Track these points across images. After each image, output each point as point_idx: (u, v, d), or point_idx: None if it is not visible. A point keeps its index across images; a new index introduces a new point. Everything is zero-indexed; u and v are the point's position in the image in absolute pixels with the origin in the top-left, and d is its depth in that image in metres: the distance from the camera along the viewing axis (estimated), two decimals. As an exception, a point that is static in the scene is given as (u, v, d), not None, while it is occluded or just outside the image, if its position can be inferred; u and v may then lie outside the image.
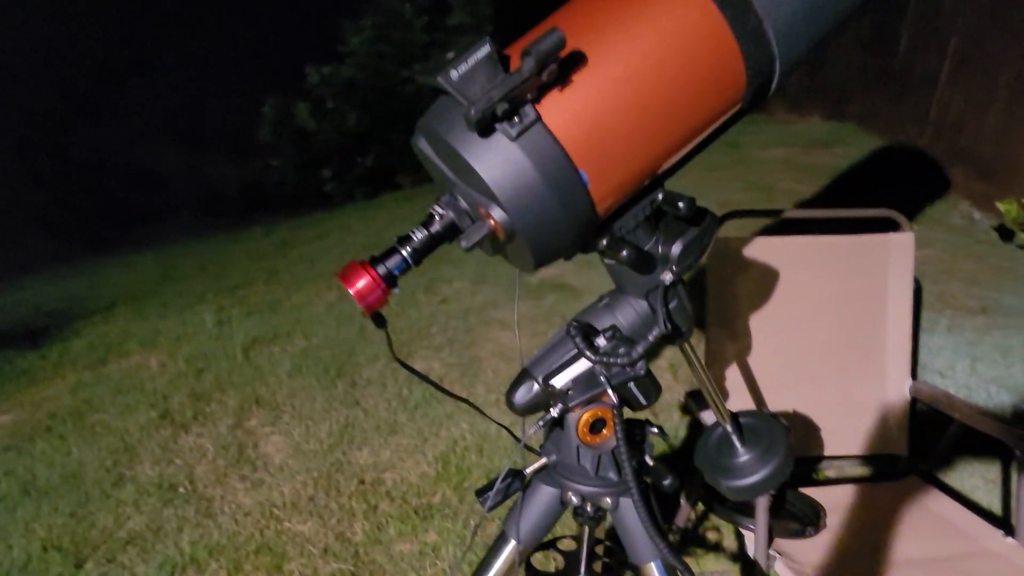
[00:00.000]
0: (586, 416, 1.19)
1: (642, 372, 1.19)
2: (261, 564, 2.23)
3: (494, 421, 1.39)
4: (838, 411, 2.03)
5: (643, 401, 1.18)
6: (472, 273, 3.91)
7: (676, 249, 1.12)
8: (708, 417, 1.81)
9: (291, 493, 2.49)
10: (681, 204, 1.08)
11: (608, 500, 1.27)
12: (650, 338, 1.19)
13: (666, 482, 1.29)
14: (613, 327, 1.16)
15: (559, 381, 1.16)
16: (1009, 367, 3.01)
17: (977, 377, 2.97)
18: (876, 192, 4.11)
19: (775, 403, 1.99)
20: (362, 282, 1.03)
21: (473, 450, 2.64)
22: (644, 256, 1.09)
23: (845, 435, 2.04)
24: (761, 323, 2.00)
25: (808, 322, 2.03)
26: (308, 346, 3.32)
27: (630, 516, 1.27)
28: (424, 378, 1.23)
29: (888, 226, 2.05)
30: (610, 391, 1.18)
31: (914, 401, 2.03)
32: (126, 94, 10.84)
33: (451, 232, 1.05)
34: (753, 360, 2.01)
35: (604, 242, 1.08)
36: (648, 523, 1.29)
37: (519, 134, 0.90)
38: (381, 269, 1.04)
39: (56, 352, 3.61)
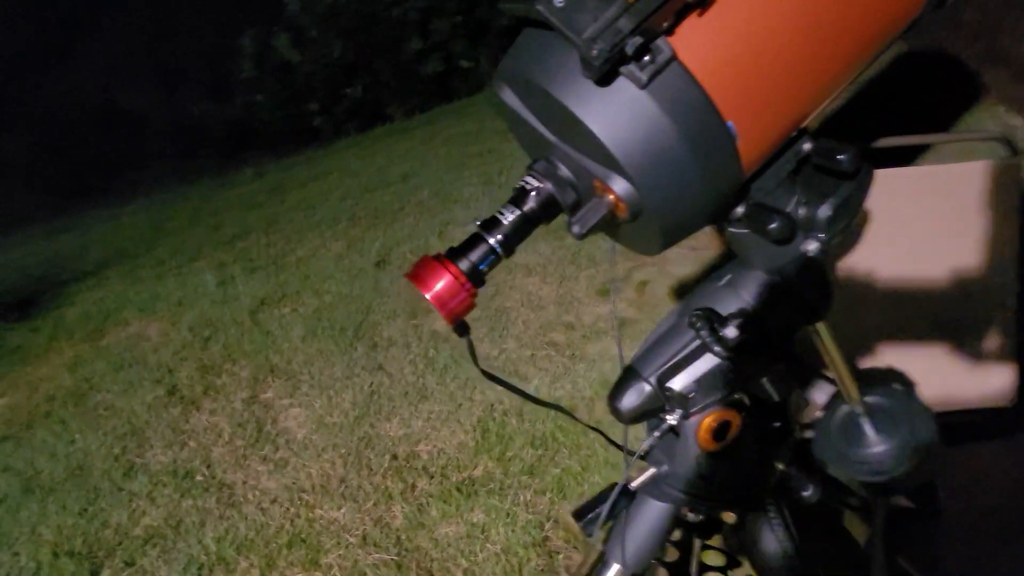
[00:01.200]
0: (708, 420, 0.98)
1: (781, 365, 0.98)
2: (296, 559, 2.03)
3: (589, 426, 1.17)
4: (937, 363, 1.81)
5: (777, 397, 0.98)
6: (488, 213, 3.63)
7: (824, 212, 0.90)
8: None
9: (319, 474, 2.29)
10: (842, 157, 0.85)
11: (732, 515, 1.06)
12: (793, 326, 0.98)
13: (807, 493, 1.08)
14: (742, 311, 0.94)
15: (678, 382, 0.95)
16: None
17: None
18: (905, 102, 3.84)
19: (864, 358, 1.77)
20: (441, 283, 0.82)
21: (512, 414, 2.43)
22: (792, 224, 0.87)
23: (945, 389, 1.83)
24: (846, 269, 1.77)
25: (900, 265, 1.79)
26: (320, 305, 3.08)
27: (760, 532, 1.07)
28: (510, 387, 1.00)
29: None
30: (742, 391, 0.97)
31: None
32: (92, 34, 10.29)
33: (549, 209, 0.84)
34: (838, 311, 1.78)
35: (741, 210, 0.86)
36: (788, 544, 1.09)
37: (651, 78, 0.66)
38: (464, 264, 0.82)
39: (49, 324, 3.36)
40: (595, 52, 0.62)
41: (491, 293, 3.06)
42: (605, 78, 0.66)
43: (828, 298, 1.00)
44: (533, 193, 0.81)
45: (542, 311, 2.91)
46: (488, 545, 2.03)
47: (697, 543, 1.33)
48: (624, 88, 0.66)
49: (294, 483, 2.27)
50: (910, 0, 0.80)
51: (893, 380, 1.08)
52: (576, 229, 0.77)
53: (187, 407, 2.61)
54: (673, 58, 0.66)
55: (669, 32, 0.67)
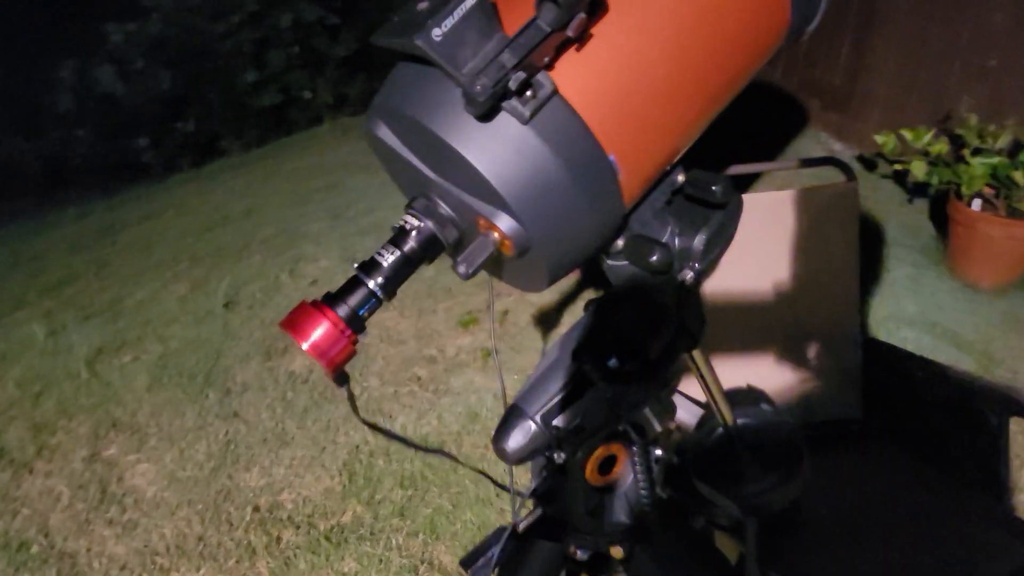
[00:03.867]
0: (595, 455, 0.98)
1: (663, 393, 1.00)
2: (152, 629, 1.88)
3: (476, 470, 1.14)
4: (787, 378, 1.90)
5: (658, 427, 0.99)
6: (338, 249, 3.56)
7: (699, 242, 0.93)
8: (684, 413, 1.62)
9: (174, 534, 2.13)
10: (716, 188, 0.89)
11: (620, 549, 1.06)
12: (673, 353, 1.00)
13: (695, 523, 1.10)
14: (624, 342, 0.94)
15: (564, 419, 0.94)
16: (900, 301, 3.03)
17: (871, 315, 2.97)
18: (736, 132, 4.07)
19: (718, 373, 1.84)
20: (319, 331, 0.77)
21: (380, 454, 2.36)
22: (670, 254, 0.89)
23: (795, 403, 1.92)
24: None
25: (751, 285, 1.88)
26: (165, 352, 2.89)
27: (649, 567, 1.07)
28: (395, 436, 0.97)
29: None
30: (626, 422, 0.98)
31: (866, 360, 1.93)
32: None
33: (431, 248, 0.80)
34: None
35: (621, 243, 0.88)
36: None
37: (533, 113, 0.66)
38: (342, 310, 0.78)
39: None
40: (479, 88, 0.61)
41: (348, 330, 2.97)
42: (487, 114, 0.65)
43: (703, 324, 1.03)
44: (413, 232, 0.79)
45: (403, 346, 2.86)
46: (363, 594, 1.95)
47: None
48: (506, 124, 0.65)
49: (146, 546, 2.10)
50: (772, 32, 0.84)
51: (759, 400, 1.13)
52: (463, 269, 0.75)
53: (18, 471, 2.37)
54: (555, 92, 0.66)
55: (549, 67, 0.67)
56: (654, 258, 0.85)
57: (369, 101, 0.78)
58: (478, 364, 2.74)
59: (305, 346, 0.77)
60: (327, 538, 2.09)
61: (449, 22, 0.63)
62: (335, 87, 7.44)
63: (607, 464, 0.99)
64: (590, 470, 0.98)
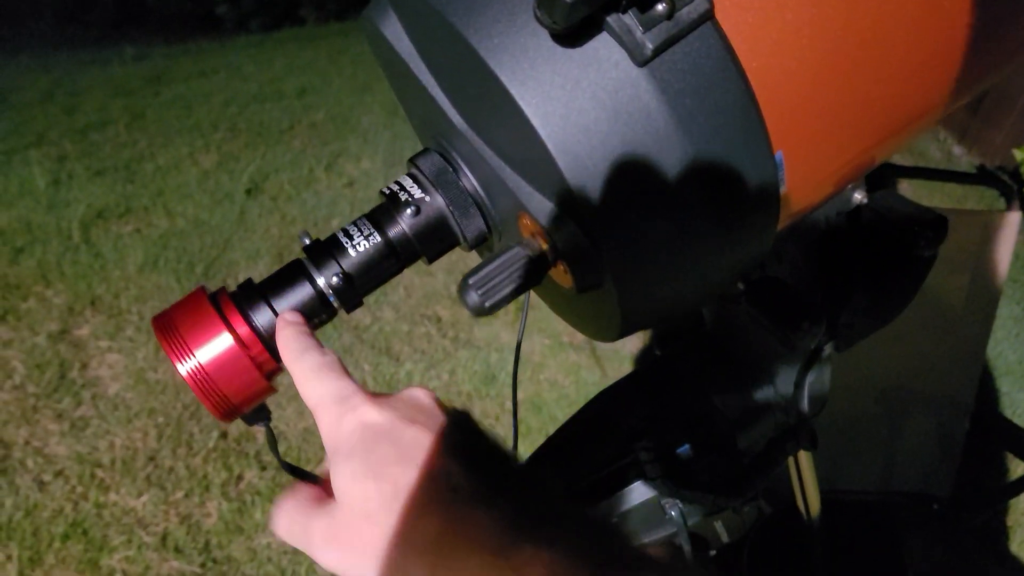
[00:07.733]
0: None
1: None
2: (70, 556, 1.61)
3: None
4: (874, 431, 1.54)
5: (726, 539, 0.71)
6: (386, 151, 3.20)
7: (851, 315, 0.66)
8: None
9: (124, 446, 1.85)
10: (929, 235, 0.60)
11: None
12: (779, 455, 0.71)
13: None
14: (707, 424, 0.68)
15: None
16: (998, 344, 2.62)
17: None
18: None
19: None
20: (213, 349, 0.46)
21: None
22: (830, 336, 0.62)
23: (875, 463, 1.56)
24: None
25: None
26: (170, 229, 2.58)
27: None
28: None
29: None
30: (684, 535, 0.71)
31: (973, 431, 1.55)
32: None
33: (432, 240, 0.51)
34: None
35: (740, 286, 0.59)
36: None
37: (660, 48, 0.35)
38: (262, 317, 0.48)
39: None
40: None
41: (375, 247, 2.64)
42: (576, 31, 0.35)
43: (819, 407, 0.75)
44: (409, 209, 0.48)
45: (429, 277, 2.52)
46: (318, 569, 1.67)
47: None
48: (606, 57, 0.36)
49: (90, 453, 1.83)
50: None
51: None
52: (474, 298, 0.44)
53: (-25, 333, 2.11)
54: (710, 14, 0.35)
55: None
56: (797, 334, 0.54)
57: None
58: (509, 317, 2.40)
59: (182, 372, 0.44)
60: (293, 490, 1.80)
61: None
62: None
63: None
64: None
